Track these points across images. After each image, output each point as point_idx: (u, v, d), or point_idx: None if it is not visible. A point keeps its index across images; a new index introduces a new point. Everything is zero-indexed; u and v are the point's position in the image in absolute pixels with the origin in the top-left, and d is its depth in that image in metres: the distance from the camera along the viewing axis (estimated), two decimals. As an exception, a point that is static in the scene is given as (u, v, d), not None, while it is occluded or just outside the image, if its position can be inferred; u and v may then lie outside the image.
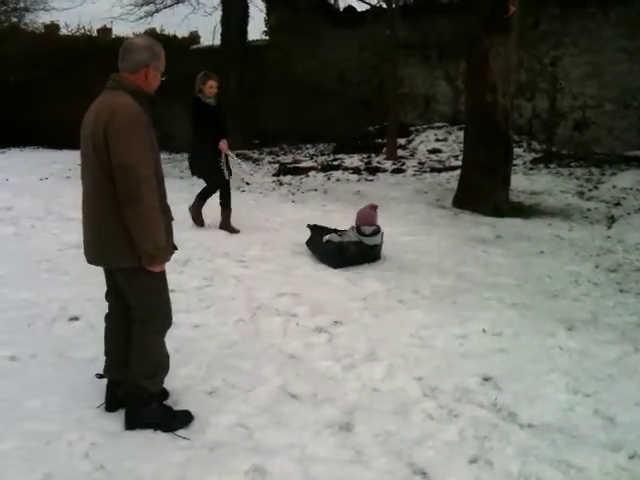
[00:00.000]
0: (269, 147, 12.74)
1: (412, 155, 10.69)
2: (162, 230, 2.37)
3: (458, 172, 8.10)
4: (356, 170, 9.93)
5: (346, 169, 10.03)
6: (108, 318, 2.71)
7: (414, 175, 9.54)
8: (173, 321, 2.65)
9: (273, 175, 9.98)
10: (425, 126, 11.85)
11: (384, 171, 9.80)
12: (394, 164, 10.12)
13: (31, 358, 3.16)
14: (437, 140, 11.16)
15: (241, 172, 8.73)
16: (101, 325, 2.76)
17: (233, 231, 5.99)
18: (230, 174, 6.01)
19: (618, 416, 2.70)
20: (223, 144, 5.77)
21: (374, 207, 5.20)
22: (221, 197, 6.05)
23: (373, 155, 10.78)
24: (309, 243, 5.27)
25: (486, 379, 3.05)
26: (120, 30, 30.23)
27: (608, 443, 2.51)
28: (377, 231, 5.06)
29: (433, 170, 9.72)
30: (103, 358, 2.73)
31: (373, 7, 11.47)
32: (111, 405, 2.68)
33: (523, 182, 8.59)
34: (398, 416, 2.71)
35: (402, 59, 11.04)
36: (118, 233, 2.34)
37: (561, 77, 10.68)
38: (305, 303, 4.04)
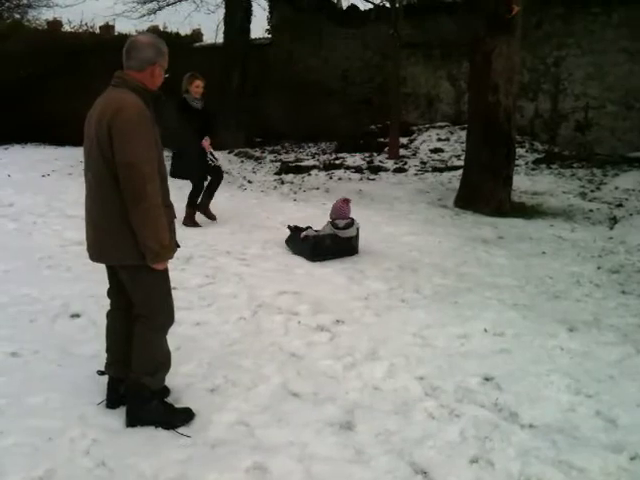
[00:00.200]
0: (271, 145, 12.73)
1: (414, 155, 10.68)
2: (166, 228, 2.38)
3: (460, 172, 8.10)
4: (358, 169, 9.93)
5: (348, 168, 10.03)
6: (110, 315, 2.72)
7: (416, 175, 9.53)
8: (175, 319, 2.65)
9: (275, 174, 9.97)
10: (427, 126, 11.85)
11: (386, 170, 9.80)
12: (396, 163, 10.12)
13: (33, 354, 3.16)
14: (439, 140, 11.16)
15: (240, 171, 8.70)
16: (103, 322, 2.76)
17: (195, 225, 6.05)
18: (220, 170, 6.18)
19: (620, 417, 2.70)
20: (205, 142, 5.90)
21: (346, 200, 5.35)
22: (190, 195, 6.10)
23: (375, 154, 10.77)
24: (288, 241, 5.39)
25: (487, 379, 3.05)
26: (123, 27, 30.36)
27: (609, 444, 2.51)
28: (350, 224, 5.19)
29: (435, 170, 9.71)
30: (104, 355, 2.73)
31: (376, 6, 11.48)
32: (112, 402, 2.68)
33: (525, 182, 8.59)
34: (399, 415, 2.71)
35: (405, 58, 11.05)
36: (121, 230, 2.34)
37: (564, 78, 10.68)
38: (306, 302, 4.04)
